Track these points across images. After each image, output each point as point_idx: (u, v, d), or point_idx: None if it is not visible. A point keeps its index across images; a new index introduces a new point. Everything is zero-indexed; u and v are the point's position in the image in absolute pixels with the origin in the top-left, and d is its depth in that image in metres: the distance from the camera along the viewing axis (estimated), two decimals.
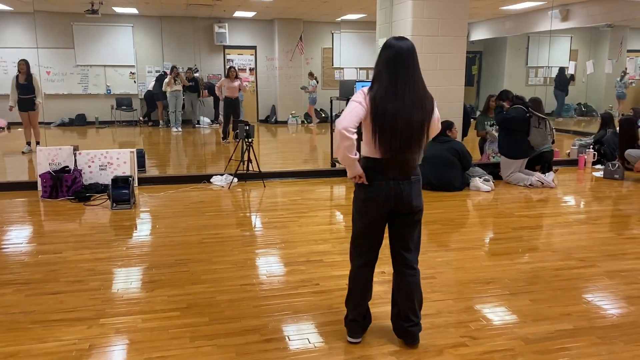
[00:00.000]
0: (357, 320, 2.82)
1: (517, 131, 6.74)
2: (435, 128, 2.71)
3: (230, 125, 10.79)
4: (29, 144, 9.09)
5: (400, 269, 2.77)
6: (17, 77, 8.88)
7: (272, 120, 15.00)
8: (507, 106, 7.00)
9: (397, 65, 2.58)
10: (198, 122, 13.76)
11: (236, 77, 10.92)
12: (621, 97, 13.62)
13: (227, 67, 12.05)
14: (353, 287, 2.82)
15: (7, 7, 12.02)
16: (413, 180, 2.65)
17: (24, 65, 8.85)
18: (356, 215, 2.76)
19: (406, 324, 2.78)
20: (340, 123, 2.53)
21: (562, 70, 13.73)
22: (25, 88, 8.87)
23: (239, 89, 10.92)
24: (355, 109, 2.55)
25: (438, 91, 6.82)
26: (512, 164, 6.86)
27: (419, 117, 2.57)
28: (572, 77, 13.81)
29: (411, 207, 2.66)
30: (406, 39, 2.65)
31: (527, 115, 6.67)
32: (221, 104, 12.07)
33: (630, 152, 7.06)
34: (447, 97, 6.91)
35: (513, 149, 6.84)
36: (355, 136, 2.52)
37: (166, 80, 12.50)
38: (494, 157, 7.60)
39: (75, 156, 6.25)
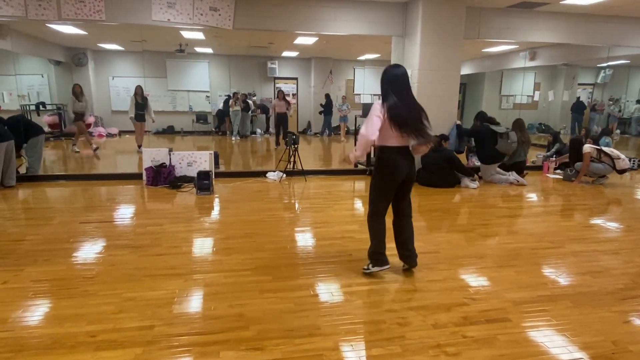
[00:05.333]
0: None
1: (486, 141, 6.56)
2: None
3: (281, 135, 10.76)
4: (140, 146, 9.22)
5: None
6: (135, 97, 8.98)
7: (309, 132, 14.94)
8: (478, 124, 6.92)
9: (399, 83, 2.88)
10: (254, 133, 13.80)
11: (284, 97, 10.83)
12: (613, 121, 12.99)
13: (277, 90, 11.74)
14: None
15: (120, 47, 12.22)
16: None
17: (140, 89, 9.02)
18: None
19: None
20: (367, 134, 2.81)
21: (578, 99, 12.91)
22: (141, 106, 9.01)
23: (287, 107, 10.85)
24: (376, 121, 2.80)
25: (437, 112, 6.66)
26: (489, 168, 6.68)
27: (418, 115, 2.89)
28: (582, 103, 12.83)
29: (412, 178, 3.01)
30: (401, 65, 2.96)
31: (492, 131, 6.53)
32: (271, 118, 12.06)
33: (577, 165, 6.82)
34: (443, 117, 6.73)
35: (487, 157, 6.65)
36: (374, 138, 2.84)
37: (230, 102, 12.56)
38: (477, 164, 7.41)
39: (170, 155, 6.30)
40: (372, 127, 2.79)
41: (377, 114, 2.81)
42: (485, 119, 7.04)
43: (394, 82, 2.87)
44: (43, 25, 8.02)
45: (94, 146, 9.10)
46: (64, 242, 3.74)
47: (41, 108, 11.54)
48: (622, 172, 6.54)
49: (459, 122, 6.91)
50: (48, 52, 11.47)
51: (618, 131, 12.94)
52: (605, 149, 6.62)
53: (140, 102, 9.01)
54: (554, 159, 7.78)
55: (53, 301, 2.68)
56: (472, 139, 7.15)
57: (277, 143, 10.78)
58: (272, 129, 12.55)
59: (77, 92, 8.70)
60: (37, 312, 2.54)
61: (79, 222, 4.34)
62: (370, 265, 3.08)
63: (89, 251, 3.54)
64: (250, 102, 13.30)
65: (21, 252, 3.48)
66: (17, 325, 2.39)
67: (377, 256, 3.05)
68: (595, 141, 7.88)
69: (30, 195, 5.58)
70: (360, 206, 5.27)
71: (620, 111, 12.98)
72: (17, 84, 9.10)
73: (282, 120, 10.74)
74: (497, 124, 6.93)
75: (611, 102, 13.57)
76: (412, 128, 2.82)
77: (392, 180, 2.92)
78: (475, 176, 6.50)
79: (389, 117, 2.80)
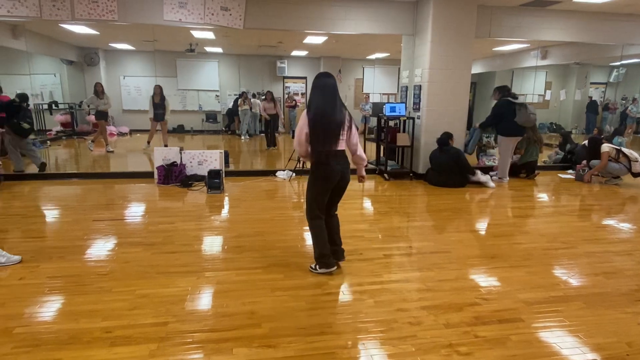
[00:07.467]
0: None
1: (506, 114, 6.43)
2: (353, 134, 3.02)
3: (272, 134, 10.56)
4: (149, 143, 9.21)
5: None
6: (153, 97, 8.90)
7: None
8: (496, 98, 6.74)
9: (325, 90, 2.93)
10: (263, 132, 13.84)
11: (272, 99, 10.61)
12: (630, 122, 12.94)
13: (266, 91, 11.44)
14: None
15: (132, 47, 12.33)
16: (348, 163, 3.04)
17: (158, 89, 8.94)
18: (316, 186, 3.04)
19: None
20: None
21: (591, 98, 13.11)
22: (159, 105, 8.96)
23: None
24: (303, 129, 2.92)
25: (447, 111, 6.64)
26: (507, 141, 6.54)
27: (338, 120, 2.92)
28: (596, 103, 13.06)
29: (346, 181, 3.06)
30: (331, 75, 2.99)
31: (510, 103, 6.44)
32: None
33: (593, 162, 6.75)
34: (453, 115, 6.68)
35: (505, 129, 6.50)
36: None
37: (239, 101, 12.59)
38: (487, 162, 7.36)
39: (181, 154, 6.35)
40: (300, 138, 2.95)
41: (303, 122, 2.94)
42: (506, 93, 6.70)
43: (322, 89, 2.93)
44: (56, 25, 8.12)
45: (110, 148, 9.19)
46: (78, 239, 3.80)
47: (53, 107, 11.69)
48: (637, 175, 6.46)
49: (477, 124, 6.86)
50: (61, 51, 11.61)
51: (630, 131, 12.81)
52: (624, 150, 6.54)
53: (158, 102, 8.96)
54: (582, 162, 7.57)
55: (68, 297, 2.72)
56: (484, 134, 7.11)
57: (274, 144, 10.55)
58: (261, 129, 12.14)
59: (99, 91, 8.76)
60: (52, 308, 2.58)
61: (92, 219, 4.40)
62: (317, 267, 3.12)
63: (103, 248, 3.59)
64: (256, 101, 13.32)
65: (36, 249, 3.54)
66: (33, 321, 2.43)
67: (324, 259, 3.08)
68: (609, 141, 7.78)
69: (43, 193, 5.67)
70: (369, 205, 5.27)
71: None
72: (31, 83, 9.23)
73: (272, 121, 10.51)
74: (516, 98, 6.75)
75: (624, 102, 13.37)
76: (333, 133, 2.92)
77: (327, 184, 3.01)
78: (487, 176, 6.45)
79: (311, 125, 2.89)
